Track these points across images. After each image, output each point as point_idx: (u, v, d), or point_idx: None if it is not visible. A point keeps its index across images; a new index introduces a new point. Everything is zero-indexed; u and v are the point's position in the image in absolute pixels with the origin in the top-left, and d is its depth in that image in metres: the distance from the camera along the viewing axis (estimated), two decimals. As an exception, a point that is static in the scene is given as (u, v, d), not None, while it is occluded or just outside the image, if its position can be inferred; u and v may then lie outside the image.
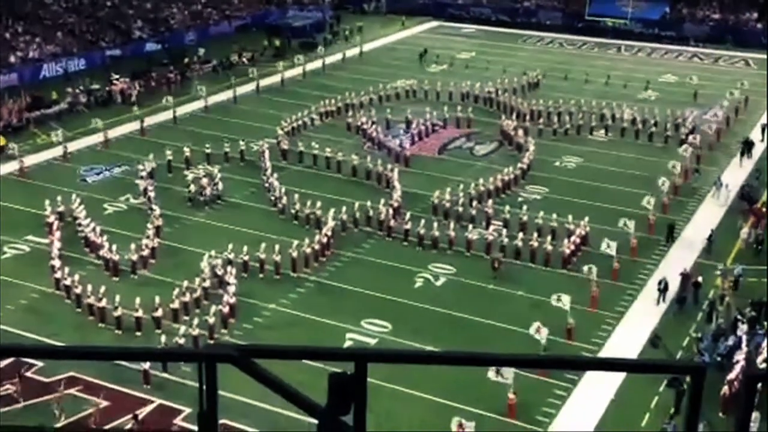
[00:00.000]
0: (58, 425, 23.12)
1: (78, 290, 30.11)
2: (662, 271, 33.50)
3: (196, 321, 28.49)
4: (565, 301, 28.69)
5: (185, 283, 30.39)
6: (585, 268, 31.55)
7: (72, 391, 25.32)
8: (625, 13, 74.28)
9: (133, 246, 33.01)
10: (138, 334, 28.59)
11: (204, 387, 3.12)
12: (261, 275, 32.43)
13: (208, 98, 52.09)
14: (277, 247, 32.79)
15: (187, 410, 24.29)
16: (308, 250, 33.25)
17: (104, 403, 24.84)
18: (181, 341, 27.16)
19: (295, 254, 32.71)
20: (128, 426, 23.83)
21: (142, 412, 24.65)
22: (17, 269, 32.76)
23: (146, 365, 25.45)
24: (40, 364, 26.13)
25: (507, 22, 77.30)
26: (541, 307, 30.35)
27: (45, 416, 24.09)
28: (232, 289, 30.05)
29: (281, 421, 21.32)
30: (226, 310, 29.25)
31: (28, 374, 25.86)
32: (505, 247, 34.12)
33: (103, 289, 29.72)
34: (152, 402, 25.29)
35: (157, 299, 29.09)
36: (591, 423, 25.07)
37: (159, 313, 28.79)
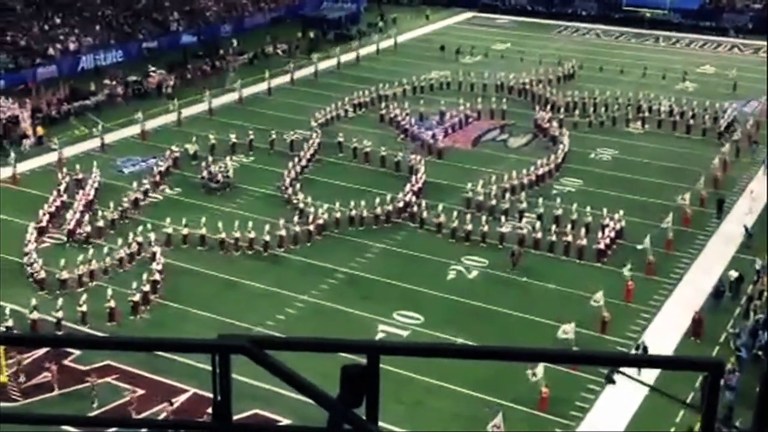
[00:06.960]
0: (93, 414, 23.46)
1: (33, 263, 31.91)
2: (699, 264, 33.10)
3: (110, 291, 29.63)
4: (599, 298, 28.64)
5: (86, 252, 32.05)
6: (642, 243, 32.10)
7: (109, 379, 25.73)
8: (664, 3, 73.21)
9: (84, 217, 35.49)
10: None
11: (218, 377, 3.15)
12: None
13: (243, 90, 52.37)
14: (250, 223, 34.04)
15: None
16: (282, 232, 34.14)
17: (139, 391, 25.19)
18: (113, 304, 28.98)
19: (267, 238, 33.56)
20: (163, 414, 24.12)
21: (177, 401, 24.94)
22: (56, 259, 33.23)
23: None
24: (77, 352, 26.57)
25: (542, 12, 76.64)
26: (573, 300, 30.15)
27: (82, 404, 24.52)
28: (156, 265, 31.39)
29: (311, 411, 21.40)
30: (147, 287, 30.31)
31: (66, 362, 26.31)
32: (539, 240, 33.93)
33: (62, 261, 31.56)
34: (187, 391, 25.57)
35: (80, 258, 31.71)
36: (625, 417, 24.87)
37: (84, 268, 31.43)
